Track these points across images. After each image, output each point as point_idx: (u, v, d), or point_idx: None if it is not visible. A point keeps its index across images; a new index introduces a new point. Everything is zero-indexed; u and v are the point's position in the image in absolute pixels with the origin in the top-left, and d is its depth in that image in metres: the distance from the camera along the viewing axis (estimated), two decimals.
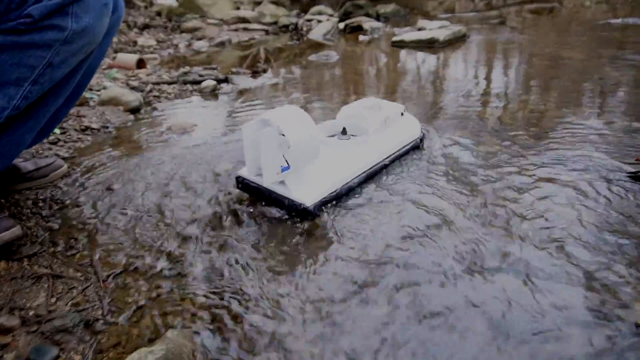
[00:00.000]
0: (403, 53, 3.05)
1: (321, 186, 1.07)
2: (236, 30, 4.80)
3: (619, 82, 1.97)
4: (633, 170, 1.19)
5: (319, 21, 5.10)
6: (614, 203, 1.03)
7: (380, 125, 1.25)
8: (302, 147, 1.00)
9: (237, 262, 0.89)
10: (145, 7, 5.62)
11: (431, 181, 1.17)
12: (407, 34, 3.38)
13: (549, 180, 1.15)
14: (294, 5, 8.14)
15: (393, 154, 1.27)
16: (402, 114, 1.34)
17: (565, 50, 2.66)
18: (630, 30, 3.18)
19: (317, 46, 3.69)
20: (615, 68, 2.18)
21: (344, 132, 1.29)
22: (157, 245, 0.96)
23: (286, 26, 4.99)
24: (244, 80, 2.56)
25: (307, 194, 1.04)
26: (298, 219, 1.03)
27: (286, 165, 1.04)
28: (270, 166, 1.00)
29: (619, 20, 3.52)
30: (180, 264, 0.89)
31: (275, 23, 5.15)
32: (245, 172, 1.13)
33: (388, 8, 4.99)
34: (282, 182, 1.05)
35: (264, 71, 2.75)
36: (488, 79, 2.22)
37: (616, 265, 0.81)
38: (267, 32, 4.87)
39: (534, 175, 1.19)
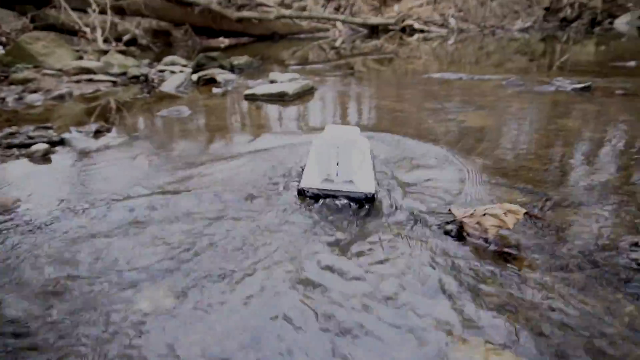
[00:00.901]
0: (254, 107, 3.13)
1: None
2: (78, 81, 4.45)
3: (443, 133, 2.27)
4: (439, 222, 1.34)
5: (172, 72, 5.01)
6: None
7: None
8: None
9: None
10: None
11: None
12: (259, 87, 3.50)
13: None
14: (145, 53, 7.89)
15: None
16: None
17: (399, 103, 3.00)
18: (446, 84, 3.73)
19: (169, 99, 3.60)
20: (437, 120, 2.53)
21: None
22: None
23: (136, 77, 4.79)
24: (83, 141, 2.36)
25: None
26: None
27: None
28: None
29: (438, 75, 4.10)
30: None
31: (125, 74, 4.91)
32: (310, 183, 1.51)
33: (241, 60, 5.12)
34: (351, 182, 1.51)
35: (108, 130, 2.58)
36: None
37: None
38: (115, 84, 4.61)
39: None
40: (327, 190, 1.48)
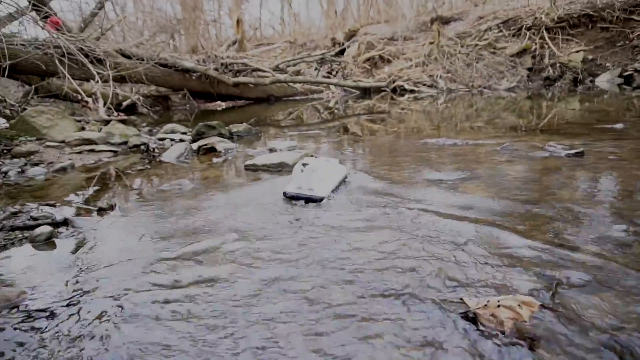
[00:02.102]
0: (255, 177, 3.17)
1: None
2: (80, 152, 4.51)
3: (446, 206, 2.30)
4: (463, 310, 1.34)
5: (172, 140, 5.10)
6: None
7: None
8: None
9: None
10: None
11: None
12: (260, 157, 3.56)
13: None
14: (145, 117, 8.07)
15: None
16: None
17: (394, 172, 3.05)
18: (441, 150, 3.82)
19: (170, 170, 3.64)
20: (433, 191, 2.56)
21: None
22: None
23: (137, 146, 4.87)
24: (87, 221, 2.36)
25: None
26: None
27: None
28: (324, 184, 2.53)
29: (433, 140, 4.21)
30: None
31: (126, 143, 4.99)
32: (293, 190, 2.51)
33: (240, 127, 5.24)
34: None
35: (111, 208, 2.58)
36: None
37: None
38: (116, 153, 4.68)
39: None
40: (297, 194, 2.48)
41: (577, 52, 10.36)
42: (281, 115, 9.17)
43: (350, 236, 1.89)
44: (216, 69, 10.74)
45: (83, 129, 5.42)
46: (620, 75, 9.54)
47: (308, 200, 2.41)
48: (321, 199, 2.40)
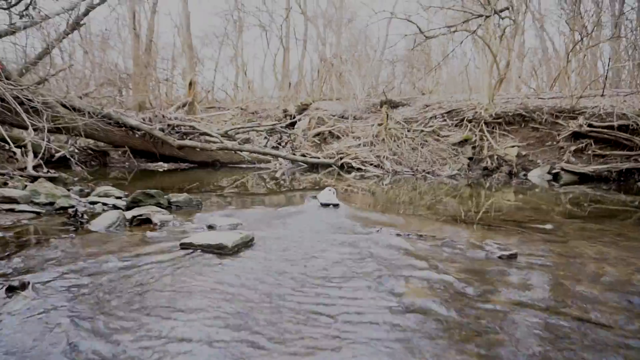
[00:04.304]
0: (190, 261, 3.06)
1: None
2: None
3: (381, 315, 2.31)
4: None
5: (104, 205, 4.89)
6: None
7: None
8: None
9: None
10: None
11: None
12: (197, 235, 3.47)
13: None
14: (78, 173, 7.73)
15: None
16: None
17: (333, 267, 3.07)
18: (383, 242, 3.92)
19: (98, 241, 3.45)
20: (372, 297, 2.59)
21: None
22: None
23: (64, 208, 4.62)
24: None
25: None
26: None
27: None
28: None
29: (375, 229, 4.31)
30: None
31: (52, 204, 4.73)
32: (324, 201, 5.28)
33: (180, 197, 5.13)
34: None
35: (23, 287, 2.37)
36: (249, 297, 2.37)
37: None
38: (39, 215, 4.40)
39: None
40: (325, 203, 5.18)
41: (512, 147, 11.31)
42: (225, 182, 9.13)
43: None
44: (162, 130, 10.68)
45: (5, 184, 5.10)
46: (549, 172, 10.45)
47: (334, 205, 5.24)
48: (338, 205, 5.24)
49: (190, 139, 10.98)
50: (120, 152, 11.29)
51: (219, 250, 3.23)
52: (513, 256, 3.28)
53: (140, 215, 4.15)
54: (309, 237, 3.85)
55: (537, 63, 21.41)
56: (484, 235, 4.21)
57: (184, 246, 3.31)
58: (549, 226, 4.64)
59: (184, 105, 15.45)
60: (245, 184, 9.06)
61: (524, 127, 11.74)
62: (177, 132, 11.03)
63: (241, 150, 11.52)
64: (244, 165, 11.92)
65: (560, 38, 20.79)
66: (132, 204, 4.67)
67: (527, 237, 4.11)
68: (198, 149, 10.93)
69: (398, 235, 3.95)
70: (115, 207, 4.76)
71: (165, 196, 5.04)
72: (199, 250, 3.23)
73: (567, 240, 4.01)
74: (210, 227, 4.03)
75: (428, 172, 10.95)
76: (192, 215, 4.70)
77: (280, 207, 5.53)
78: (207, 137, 11.28)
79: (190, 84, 17.00)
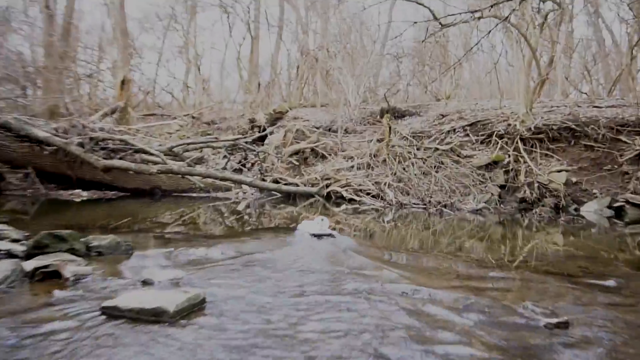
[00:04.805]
0: (116, 332, 2.96)
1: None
2: None
3: None
4: None
5: None
6: None
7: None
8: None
9: None
10: None
11: None
12: (126, 296, 3.37)
13: None
14: None
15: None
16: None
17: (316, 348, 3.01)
18: (385, 302, 3.86)
19: None
20: None
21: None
22: None
23: None
24: None
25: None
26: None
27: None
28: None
29: (371, 285, 4.27)
30: None
31: None
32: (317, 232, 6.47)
33: (104, 240, 5.02)
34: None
35: None
36: None
37: None
38: None
39: None
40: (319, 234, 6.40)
41: (559, 171, 11.45)
42: (169, 218, 9.04)
43: None
44: (81, 145, 10.57)
45: None
46: (609, 206, 10.55)
47: (327, 236, 6.35)
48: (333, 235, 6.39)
49: (120, 158, 10.88)
50: (21, 175, 11.11)
51: (157, 318, 3.12)
52: (563, 325, 3.25)
53: (46, 266, 4.03)
54: (282, 297, 3.78)
55: (591, 59, 21.81)
56: (522, 294, 4.19)
57: (106, 311, 3.20)
58: (611, 282, 4.65)
59: (113, 112, 15.41)
60: (195, 221, 8.98)
61: (573, 146, 11.96)
62: (102, 149, 10.93)
63: (191, 174, 11.44)
64: (194, 194, 11.83)
65: (621, 27, 21.12)
66: (35, 251, 4.54)
67: (581, 297, 4.10)
68: (131, 172, 10.83)
69: (403, 294, 3.91)
70: (10, 254, 4.61)
71: (83, 239, 4.93)
72: (128, 318, 3.13)
73: (637, 303, 4.01)
74: (146, 283, 3.93)
75: (445, 205, 11.02)
76: (120, 265, 4.59)
77: (244, 252, 5.45)
78: (145, 156, 11.19)
79: (123, 82, 17.04)
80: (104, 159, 10.60)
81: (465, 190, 11.58)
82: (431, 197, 11.39)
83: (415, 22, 14.45)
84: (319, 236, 6.35)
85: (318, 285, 4.19)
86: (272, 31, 25.28)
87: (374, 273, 4.67)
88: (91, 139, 10.89)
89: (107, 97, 21.07)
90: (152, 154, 11.25)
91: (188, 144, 12.93)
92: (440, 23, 13.40)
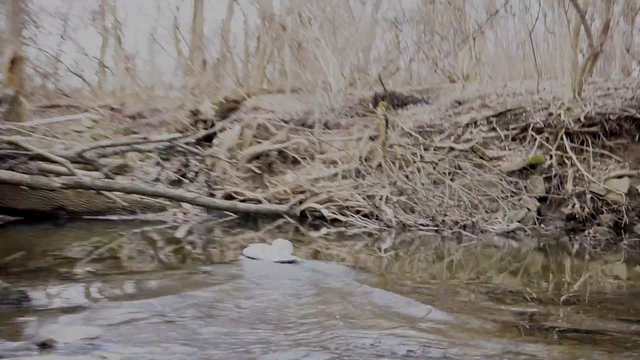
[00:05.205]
0: None
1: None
2: None
3: None
4: None
5: None
6: None
7: None
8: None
9: None
10: None
11: None
12: None
13: None
14: None
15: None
16: None
17: None
18: None
19: None
20: None
21: None
22: None
23: None
24: None
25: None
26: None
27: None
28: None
29: None
30: None
31: None
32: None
33: None
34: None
35: None
36: None
37: None
38: None
39: None
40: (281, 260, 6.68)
41: (620, 177, 11.50)
42: (78, 252, 8.91)
43: None
44: None
45: None
46: None
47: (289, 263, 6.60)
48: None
49: (10, 168, 10.74)
50: None
51: None
52: None
53: None
54: None
55: None
56: (571, 353, 4.16)
57: None
58: None
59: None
60: (115, 254, 8.86)
61: (639, 142, 12.02)
62: None
63: (110, 190, 11.29)
64: (114, 217, 11.69)
65: None
66: None
67: None
68: (25, 187, 10.69)
69: (410, 354, 3.87)
70: None
71: None
72: None
73: None
74: (45, 346, 3.84)
75: (464, 227, 10.99)
76: (8, 321, 4.50)
77: (184, 295, 5.38)
78: (45, 164, 11.06)
79: (13, 62, 16.81)
80: None
81: (491, 205, 11.61)
82: (445, 215, 11.38)
83: None
84: (281, 262, 6.53)
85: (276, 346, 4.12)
86: None
87: (368, 323, 4.62)
88: None
89: None
90: (54, 162, 11.11)
91: (105, 146, 12.76)
92: None
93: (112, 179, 11.74)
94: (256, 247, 7.10)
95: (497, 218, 11.23)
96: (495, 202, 11.57)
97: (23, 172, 10.68)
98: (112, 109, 18.29)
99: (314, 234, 10.82)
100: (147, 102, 19.42)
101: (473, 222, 11.12)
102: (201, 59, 22.20)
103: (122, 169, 12.87)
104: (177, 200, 11.85)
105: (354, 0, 23.28)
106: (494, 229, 10.91)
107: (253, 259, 6.84)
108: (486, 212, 11.42)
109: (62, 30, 25.97)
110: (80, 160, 11.85)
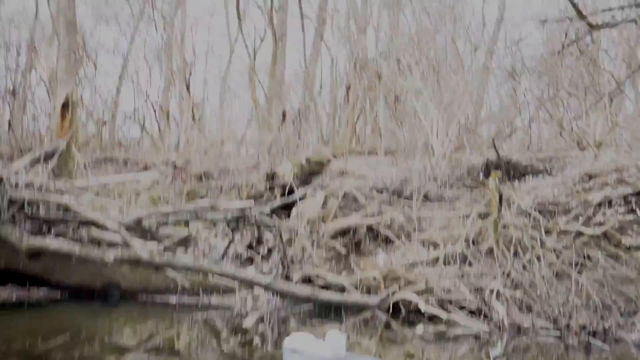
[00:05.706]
0: None
1: None
2: None
3: None
4: None
5: None
6: None
7: None
8: None
9: None
10: None
11: None
12: None
13: None
14: None
15: None
16: None
17: None
18: None
19: None
20: None
21: None
22: None
23: None
24: None
25: None
26: None
27: None
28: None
29: None
30: None
31: None
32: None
33: None
34: None
35: None
36: None
37: None
38: None
39: None
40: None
41: None
42: (130, 339, 9.05)
43: None
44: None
45: None
46: None
47: None
48: None
49: (58, 235, 10.96)
50: None
51: None
52: None
53: None
54: None
55: None
56: None
57: None
58: None
59: (48, 157, 15.44)
60: (172, 344, 8.96)
61: None
62: (29, 218, 11.05)
63: (170, 266, 11.39)
64: (172, 300, 11.77)
65: None
66: None
67: None
68: (74, 259, 10.86)
69: None
70: None
71: None
72: None
73: None
74: None
75: (594, 333, 10.75)
76: None
77: None
78: (96, 232, 11.25)
79: (65, 106, 16.92)
80: (31, 234, 10.71)
81: (628, 306, 11.34)
82: (570, 317, 11.15)
83: (545, 21, 14.61)
84: None
85: None
86: (307, 27, 25.60)
87: None
88: (10, 201, 11.01)
89: (38, 130, 21.47)
90: (106, 229, 11.27)
91: (166, 213, 12.94)
92: (588, 22, 13.47)
93: (172, 252, 11.87)
94: (302, 338, 7.06)
95: (635, 323, 10.96)
96: (633, 303, 11.31)
97: (73, 241, 10.87)
98: (175, 166, 18.55)
99: (408, 332, 10.73)
100: (215, 160, 19.66)
101: (605, 328, 10.86)
102: (280, 109, 22.29)
103: (184, 241, 13.00)
104: (249, 283, 11.84)
105: (463, 44, 23.10)
106: (631, 338, 10.63)
107: (297, 351, 6.80)
108: (621, 315, 11.15)
109: (121, 70, 26.54)
110: (136, 228, 12.02)
